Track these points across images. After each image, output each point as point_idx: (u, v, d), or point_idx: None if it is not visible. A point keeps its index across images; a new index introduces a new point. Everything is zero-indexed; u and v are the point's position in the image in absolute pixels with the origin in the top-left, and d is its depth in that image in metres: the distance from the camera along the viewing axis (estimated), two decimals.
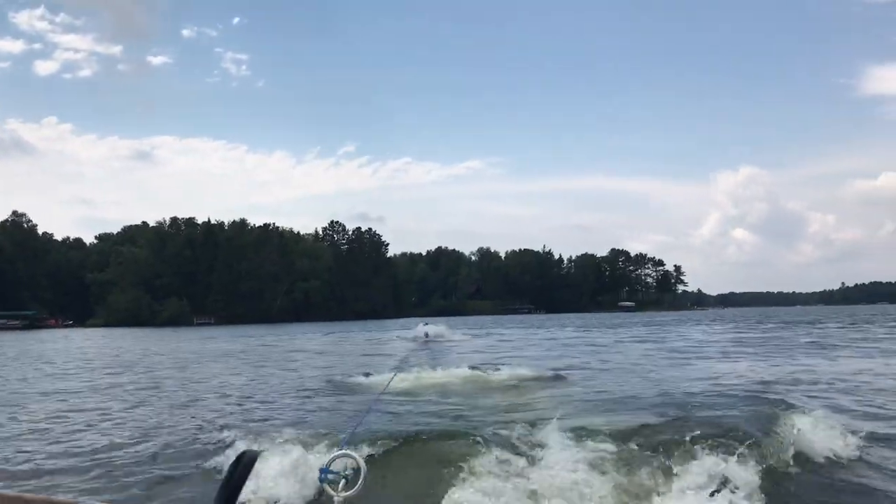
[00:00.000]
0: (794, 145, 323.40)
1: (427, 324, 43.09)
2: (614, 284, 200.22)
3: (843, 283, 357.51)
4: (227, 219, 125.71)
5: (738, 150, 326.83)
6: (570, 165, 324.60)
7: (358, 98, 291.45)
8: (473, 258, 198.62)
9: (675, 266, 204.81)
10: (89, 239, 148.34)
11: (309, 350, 32.91)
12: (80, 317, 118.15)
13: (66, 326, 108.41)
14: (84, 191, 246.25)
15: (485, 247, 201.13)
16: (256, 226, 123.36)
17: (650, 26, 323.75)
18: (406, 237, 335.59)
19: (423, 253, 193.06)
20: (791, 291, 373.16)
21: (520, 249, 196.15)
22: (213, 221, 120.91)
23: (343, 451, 2.65)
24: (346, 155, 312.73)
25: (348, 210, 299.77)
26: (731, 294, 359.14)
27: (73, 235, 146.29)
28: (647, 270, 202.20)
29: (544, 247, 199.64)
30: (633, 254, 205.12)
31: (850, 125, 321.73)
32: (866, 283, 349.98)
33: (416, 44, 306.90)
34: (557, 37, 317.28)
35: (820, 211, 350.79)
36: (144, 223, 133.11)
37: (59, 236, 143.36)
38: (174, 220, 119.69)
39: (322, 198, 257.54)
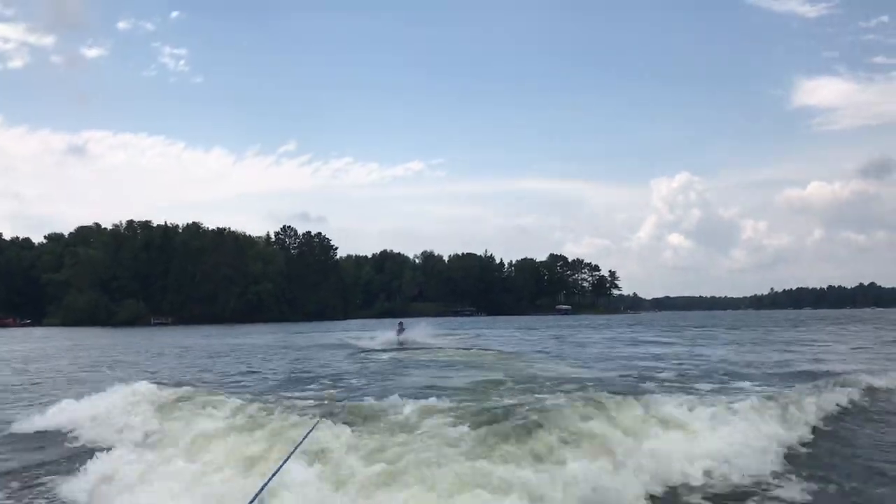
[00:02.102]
0: (728, 153, 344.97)
1: (402, 323, 39.29)
2: (552, 288, 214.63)
3: (772, 289, 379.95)
4: (179, 220, 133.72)
5: (674, 157, 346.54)
6: (511, 168, 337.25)
7: (298, 96, 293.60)
8: (417, 261, 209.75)
9: (609, 271, 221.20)
10: (36, 238, 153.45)
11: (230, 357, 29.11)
12: (33, 316, 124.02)
13: (24, 325, 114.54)
14: (13, 184, 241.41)
15: (428, 250, 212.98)
16: (210, 229, 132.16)
17: (592, 33, 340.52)
18: (348, 238, 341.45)
19: (369, 255, 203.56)
20: (723, 296, 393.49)
21: (462, 254, 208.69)
22: (168, 224, 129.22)
23: None
24: (286, 153, 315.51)
25: (289, 209, 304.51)
26: (667, 298, 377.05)
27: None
28: (583, 275, 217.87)
29: (486, 251, 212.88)
30: (570, 259, 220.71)
31: (781, 135, 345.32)
32: (793, 288, 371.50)
33: (358, 43, 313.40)
34: (500, 40, 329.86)
35: (752, 218, 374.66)
36: (97, 224, 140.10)
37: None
38: (130, 223, 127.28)
39: (262, 196, 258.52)
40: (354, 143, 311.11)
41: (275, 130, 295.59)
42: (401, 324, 38.52)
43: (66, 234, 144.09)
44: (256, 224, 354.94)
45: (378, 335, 37.59)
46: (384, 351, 28.79)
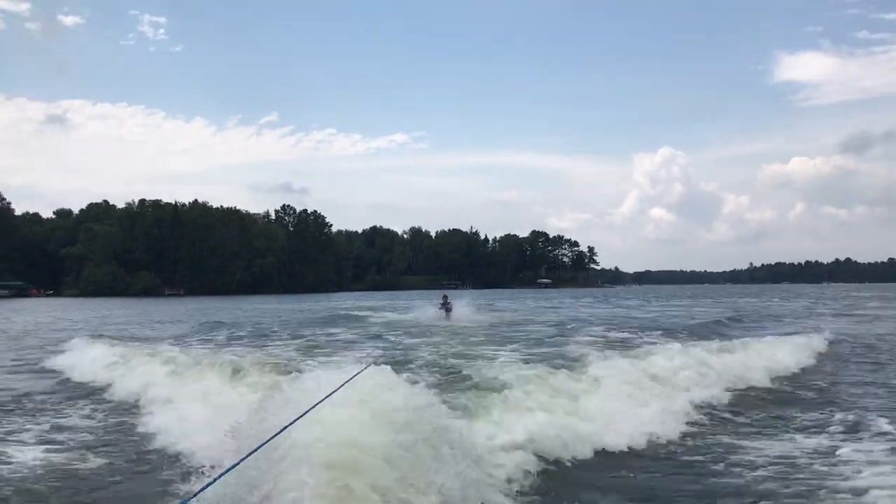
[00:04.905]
0: (710, 128, 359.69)
1: (446, 296, 33.86)
2: (534, 263, 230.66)
3: (751, 263, 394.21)
4: (166, 193, 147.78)
5: (656, 131, 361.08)
6: (494, 141, 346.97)
7: (280, 66, 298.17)
8: (406, 236, 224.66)
9: (588, 247, 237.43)
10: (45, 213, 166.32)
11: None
12: (49, 287, 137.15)
13: (48, 296, 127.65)
14: None
15: (416, 225, 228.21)
16: (216, 207, 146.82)
17: (575, 8, 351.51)
18: (333, 209, 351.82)
19: (359, 231, 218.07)
20: (703, 270, 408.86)
21: (449, 229, 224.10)
22: (177, 203, 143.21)
23: None
24: (268, 124, 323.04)
25: (272, 180, 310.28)
26: (647, 272, 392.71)
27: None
28: (563, 250, 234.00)
29: (471, 227, 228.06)
30: (551, 235, 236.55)
31: (764, 110, 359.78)
32: (772, 263, 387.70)
33: (339, 13, 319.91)
34: (484, 12, 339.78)
35: (734, 192, 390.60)
36: (106, 201, 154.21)
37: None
38: (142, 201, 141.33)
39: (243, 167, 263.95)
40: (337, 114, 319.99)
41: (256, 101, 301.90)
42: (445, 297, 33.74)
43: (74, 210, 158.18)
44: (239, 196, 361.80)
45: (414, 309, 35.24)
46: None
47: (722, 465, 7.93)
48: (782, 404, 11.37)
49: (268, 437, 4.68)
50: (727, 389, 12.01)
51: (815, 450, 8.35)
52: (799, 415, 10.45)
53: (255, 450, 4.44)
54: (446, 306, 31.94)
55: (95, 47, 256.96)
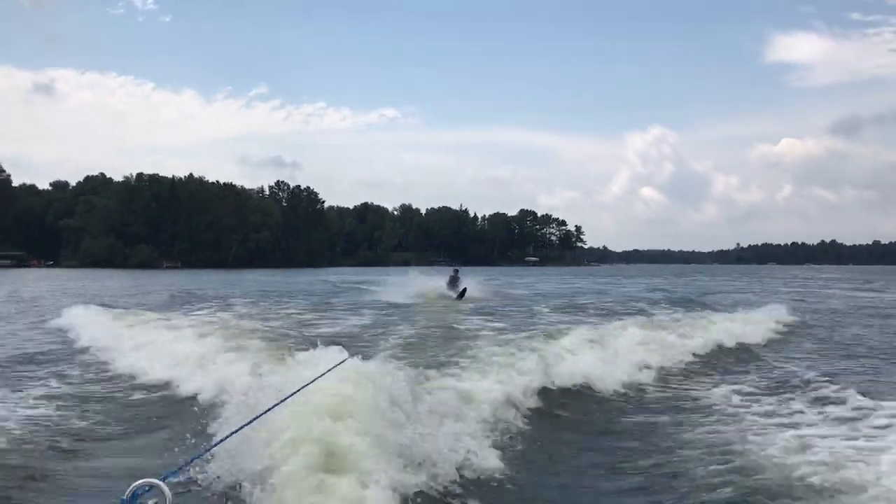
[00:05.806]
0: (702, 107, 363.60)
1: (457, 270, 33.03)
2: (522, 241, 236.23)
3: (738, 244, 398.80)
4: (174, 171, 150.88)
5: (648, 110, 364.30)
6: (485, 117, 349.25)
7: (270, 38, 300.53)
8: (396, 213, 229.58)
9: (576, 226, 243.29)
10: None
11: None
12: (47, 258, 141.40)
13: (48, 266, 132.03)
14: None
15: (406, 202, 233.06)
16: (213, 182, 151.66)
17: None
18: (324, 184, 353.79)
19: (351, 207, 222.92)
20: (691, 250, 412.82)
21: (439, 207, 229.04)
22: (174, 177, 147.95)
23: (147, 481, 2.57)
24: (258, 97, 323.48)
25: (262, 153, 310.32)
26: (635, 251, 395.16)
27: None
28: (551, 229, 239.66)
29: (461, 205, 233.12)
30: (539, 214, 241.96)
31: (755, 90, 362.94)
32: (759, 244, 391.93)
33: None
34: None
35: (724, 173, 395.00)
36: (102, 174, 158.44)
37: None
38: (140, 175, 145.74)
39: (233, 140, 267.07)
40: (327, 87, 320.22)
41: (246, 72, 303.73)
42: (456, 271, 32.92)
43: (70, 182, 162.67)
44: (228, 168, 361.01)
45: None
46: None
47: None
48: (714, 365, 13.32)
49: (242, 424, 4.83)
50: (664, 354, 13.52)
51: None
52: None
53: (228, 436, 4.65)
54: (455, 285, 29.97)
55: (84, 16, 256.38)
